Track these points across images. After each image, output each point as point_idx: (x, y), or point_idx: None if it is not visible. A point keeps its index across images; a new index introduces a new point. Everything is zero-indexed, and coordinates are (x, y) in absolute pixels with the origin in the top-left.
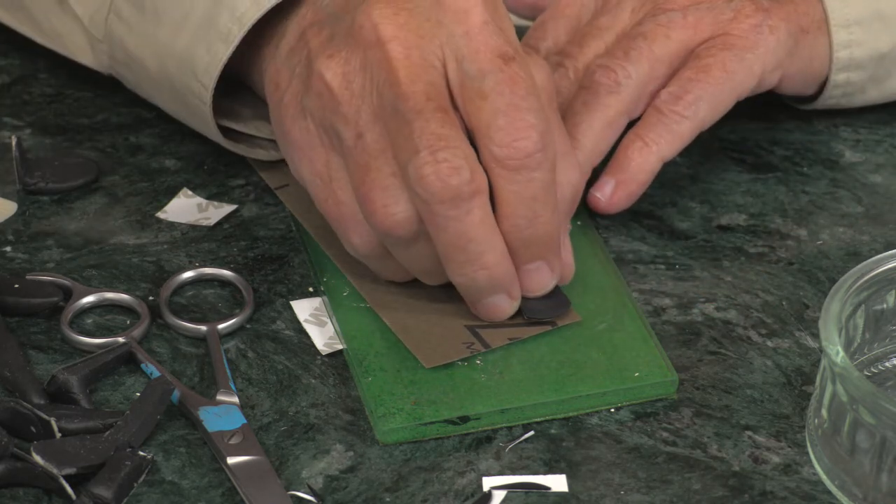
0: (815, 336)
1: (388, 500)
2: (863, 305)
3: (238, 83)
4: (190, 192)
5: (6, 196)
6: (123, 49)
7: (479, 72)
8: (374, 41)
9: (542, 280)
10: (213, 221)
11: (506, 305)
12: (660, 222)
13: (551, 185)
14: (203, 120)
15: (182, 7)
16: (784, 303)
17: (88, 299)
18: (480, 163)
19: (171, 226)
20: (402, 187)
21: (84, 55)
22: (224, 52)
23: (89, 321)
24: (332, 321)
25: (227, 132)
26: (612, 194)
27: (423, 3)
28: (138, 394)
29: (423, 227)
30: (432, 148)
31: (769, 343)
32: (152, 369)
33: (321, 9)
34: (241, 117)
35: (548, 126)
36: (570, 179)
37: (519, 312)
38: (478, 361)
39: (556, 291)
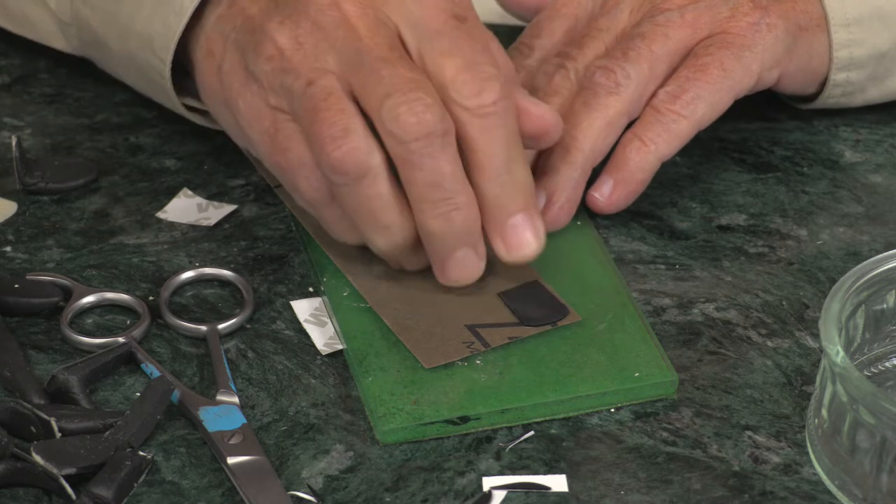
0: (815, 336)
1: (388, 500)
2: (863, 305)
3: None
4: (190, 192)
5: (6, 196)
6: (90, 31)
7: (436, 32)
8: (326, 4)
9: (525, 237)
10: (213, 221)
11: (474, 264)
12: (660, 222)
13: (518, 136)
14: (166, 95)
15: None
16: (784, 303)
17: (88, 299)
18: None
19: (171, 226)
20: (353, 123)
21: (56, 40)
22: (178, 25)
23: (89, 321)
24: (332, 321)
25: (196, 111)
26: (610, 194)
27: None
28: (138, 394)
29: (373, 160)
30: (404, 89)
31: (769, 343)
32: (152, 369)
33: None
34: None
35: (506, 80)
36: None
37: (517, 316)
38: (478, 361)
39: (553, 298)
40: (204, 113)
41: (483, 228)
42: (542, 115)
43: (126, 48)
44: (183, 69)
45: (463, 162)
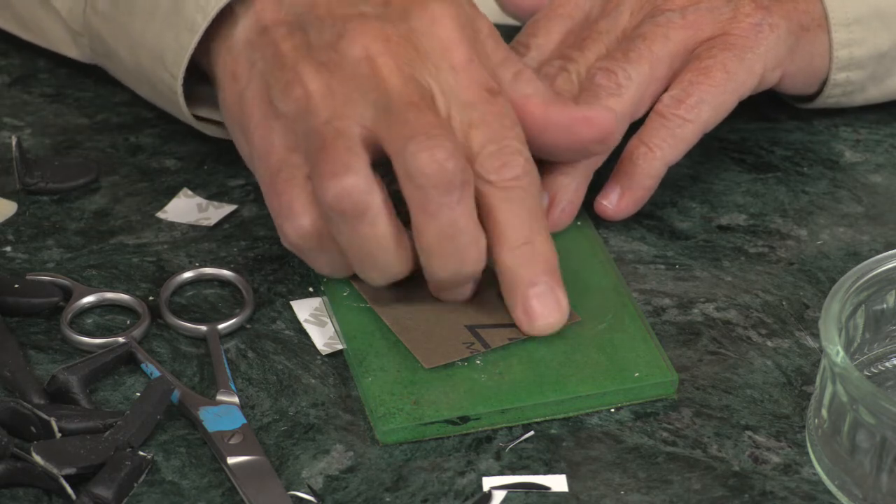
0: (815, 336)
1: (388, 500)
2: (863, 305)
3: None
4: (190, 192)
5: (6, 196)
6: (101, 41)
7: (468, 103)
8: (362, 58)
9: (546, 307)
10: (213, 221)
11: (469, 291)
12: (660, 222)
13: (541, 211)
14: (177, 108)
15: None
16: (784, 303)
17: (88, 299)
18: None
19: (171, 226)
20: (356, 161)
21: (68, 48)
22: (190, 42)
23: (89, 321)
24: (332, 321)
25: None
26: (618, 201)
27: (410, 34)
28: (138, 394)
29: (372, 200)
30: (429, 133)
31: (769, 343)
32: (152, 369)
33: (284, 6)
34: (216, 105)
35: (530, 156)
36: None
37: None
38: (478, 361)
39: None
40: (217, 122)
41: (504, 299)
42: (603, 116)
43: (137, 60)
44: (194, 77)
45: (486, 232)
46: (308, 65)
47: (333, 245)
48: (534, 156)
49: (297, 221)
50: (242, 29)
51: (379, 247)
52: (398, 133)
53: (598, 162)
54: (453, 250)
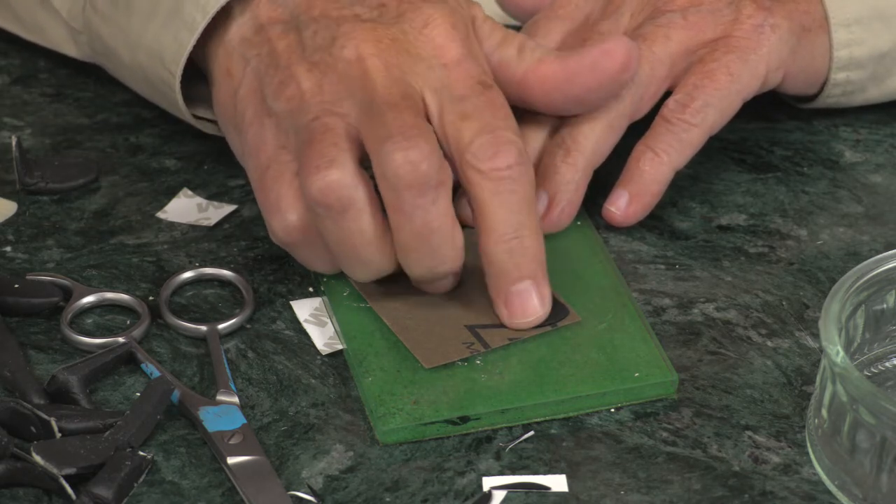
0: (815, 336)
1: (388, 500)
2: (863, 305)
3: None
4: (190, 192)
5: (6, 196)
6: (100, 40)
7: (460, 97)
8: (352, 58)
9: (528, 305)
10: (213, 221)
11: (452, 284)
12: (660, 222)
13: (533, 203)
14: (175, 106)
15: None
16: (784, 303)
17: (88, 299)
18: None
19: (171, 226)
20: (341, 156)
21: (67, 47)
22: (189, 40)
23: (89, 321)
24: (332, 321)
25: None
26: (626, 207)
27: (402, 36)
28: (138, 394)
29: (356, 195)
30: (405, 134)
31: (769, 343)
32: (152, 369)
33: (280, 4)
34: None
35: (524, 148)
36: None
37: None
38: (478, 361)
39: (553, 298)
40: (215, 122)
41: (488, 288)
42: (618, 44)
43: (136, 59)
44: (192, 76)
45: (475, 223)
46: (301, 65)
47: (320, 241)
48: (567, 114)
49: (284, 217)
50: (238, 27)
51: (362, 242)
52: (376, 133)
53: (597, 161)
54: (428, 250)
